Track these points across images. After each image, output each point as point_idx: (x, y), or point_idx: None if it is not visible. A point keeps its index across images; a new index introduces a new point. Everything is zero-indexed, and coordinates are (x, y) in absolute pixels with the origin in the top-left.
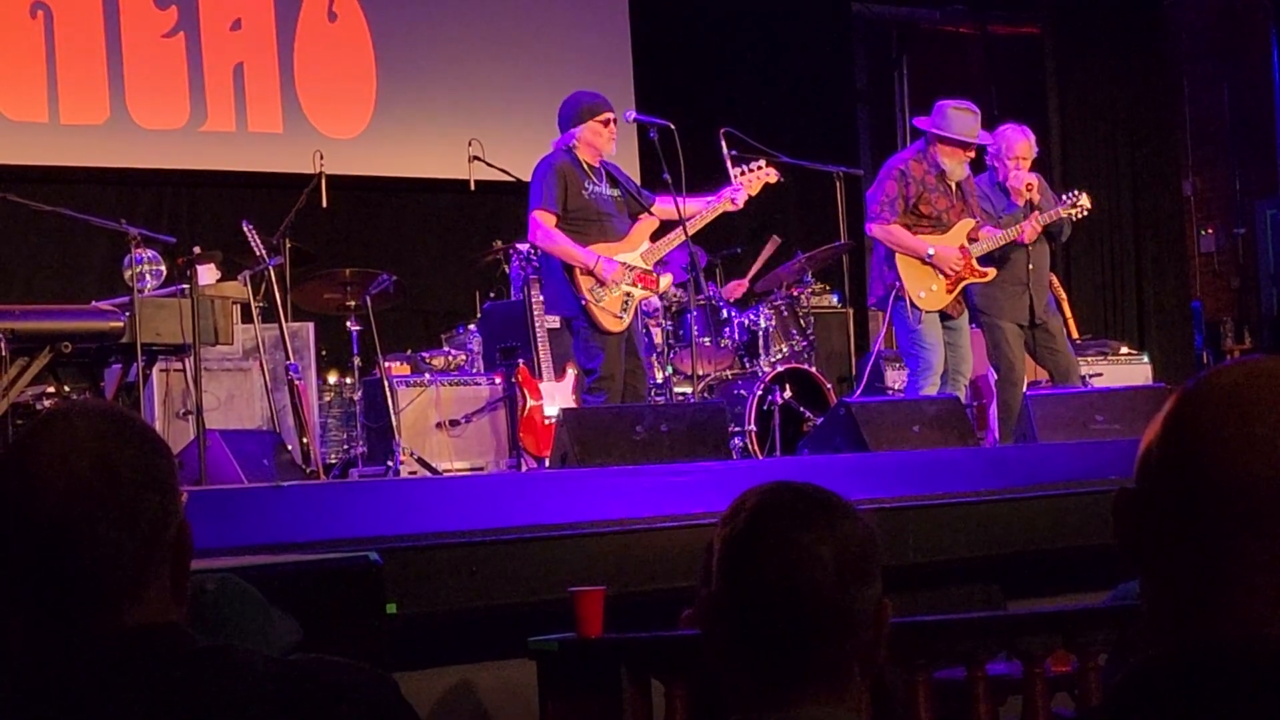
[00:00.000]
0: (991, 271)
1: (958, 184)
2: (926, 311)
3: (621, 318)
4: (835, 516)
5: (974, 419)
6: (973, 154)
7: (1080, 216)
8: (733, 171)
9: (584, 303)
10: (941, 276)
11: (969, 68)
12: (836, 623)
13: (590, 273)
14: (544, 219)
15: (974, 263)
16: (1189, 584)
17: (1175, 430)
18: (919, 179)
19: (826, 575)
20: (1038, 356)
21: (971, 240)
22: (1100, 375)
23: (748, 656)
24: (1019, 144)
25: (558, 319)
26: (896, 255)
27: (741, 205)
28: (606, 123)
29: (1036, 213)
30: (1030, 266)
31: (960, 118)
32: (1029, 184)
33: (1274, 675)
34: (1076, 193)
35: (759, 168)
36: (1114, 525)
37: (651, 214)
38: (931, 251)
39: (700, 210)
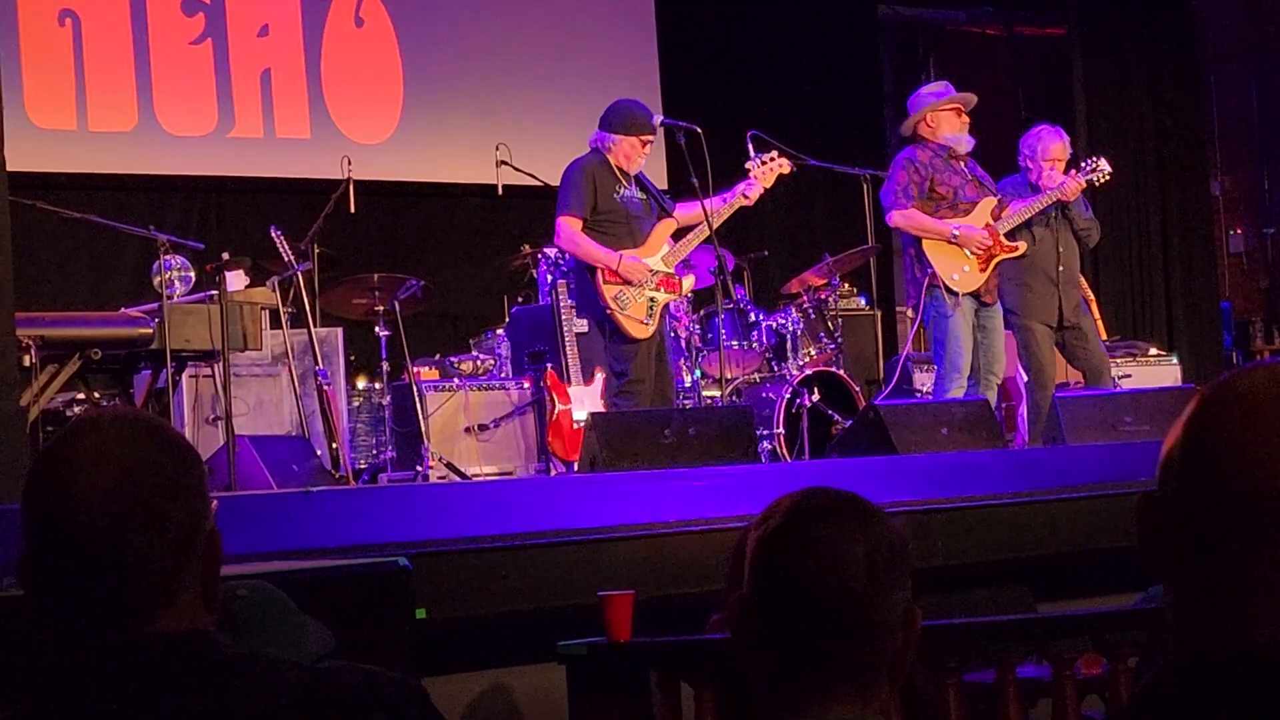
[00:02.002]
0: (1022, 245)
1: (966, 164)
2: (963, 294)
3: (647, 324)
4: (868, 522)
5: (1002, 421)
6: (966, 119)
7: (1101, 182)
8: (749, 164)
9: (608, 311)
10: (972, 256)
11: (996, 69)
12: (866, 627)
13: (615, 274)
14: (570, 224)
15: (1002, 239)
16: (1212, 589)
17: (1196, 434)
18: (927, 163)
19: (858, 580)
20: (1070, 357)
21: (996, 219)
22: (1129, 376)
23: (777, 658)
24: (1054, 145)
25: (585, 323)
26: (924, 243)
27: (754, 199)
28: (646, 144)
29: (1074, 170)
30: (1060, 268)
31: (934, 89)
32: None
33: None
34: (1096, 158)
35: (771, 159)
36: (1137, 530)
37: (673, 217)
38: (956, 232)
39: (717, 208)
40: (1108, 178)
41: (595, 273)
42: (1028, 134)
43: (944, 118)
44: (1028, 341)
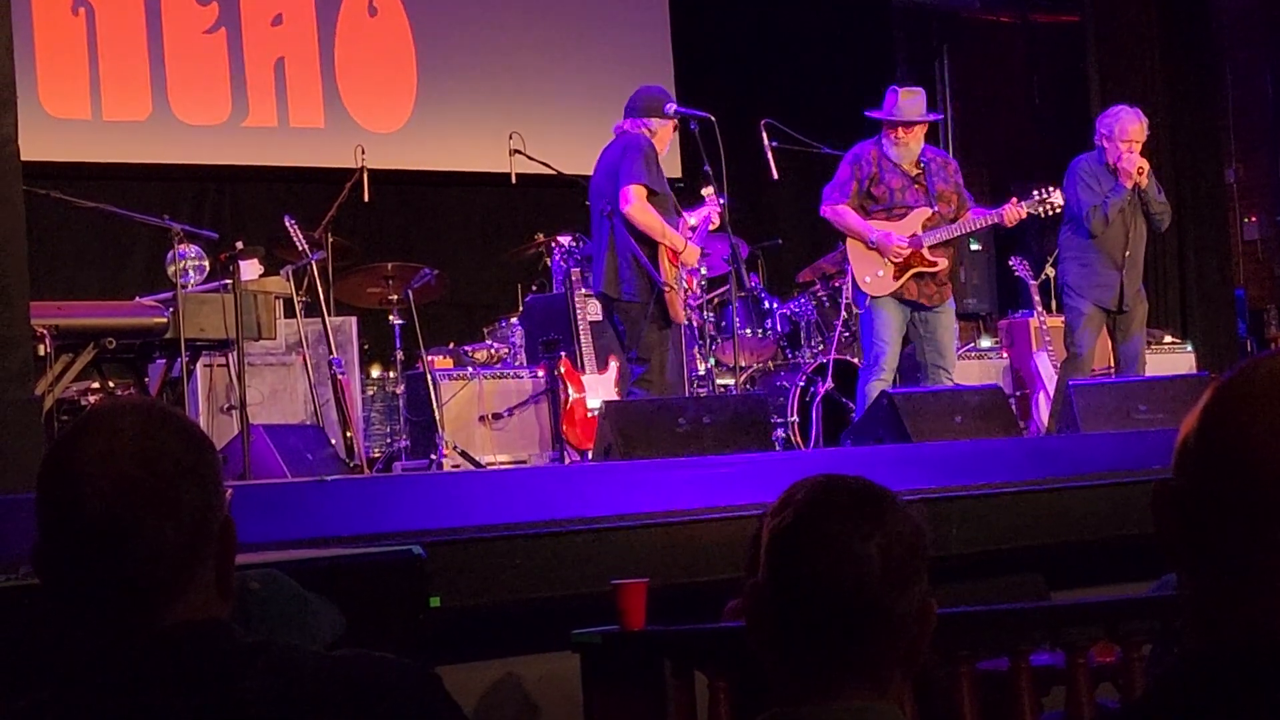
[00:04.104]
0: (943, 261)
1: (923, 166)
2: (874, 296)
3: (684, 310)
4: (885, 513)
5: (1016, 408)
6: (900, 134)
7: (1047, 214)
8: (706, 192)
9: (665, 289)
10: (888, 262)
11: (1010, 57)
12: (881, 618)
13: (675, 256)
14: (641, 193)
15: (925, 251)
16: (1227, 578)
17: (1212, 422)
18: (873, 161)
19: (873, 571)
20: (1113, 341)
21: (926, 229)
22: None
23: (791, 647)
24: (1133, 127)
25: (599, 311)
26: (847, 241)
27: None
28: (675, 128)
29: (1015, 199)
30: (1126, 252)
31: (904, 100)
32: (1140, 167)
33: None
34: (1050, 189)
35: (711, 200)
36: (1153, 519)
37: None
38: (874, 237)
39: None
40: (1056, 210)
41: (658, 247)
42: (1105, 114)
43: (884, 130)
44: (1074, 323)
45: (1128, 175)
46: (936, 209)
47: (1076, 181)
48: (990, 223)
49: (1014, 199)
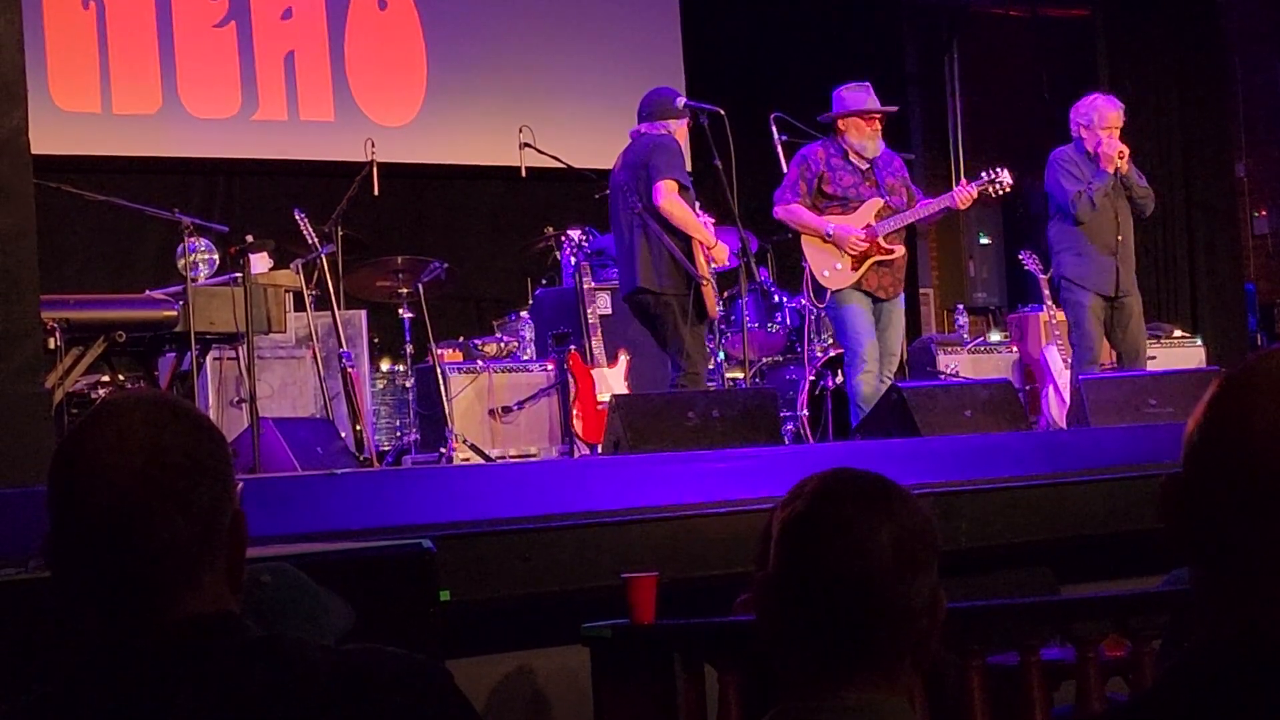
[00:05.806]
0: (900, 249)
1: (871, 162)
2: (833, 290)
3: (717, 304)
4: (894, 504)
5: (1025, 402)
6: (876, 125)
7: (999, 194)
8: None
9: (701, 282)
10: (845, 255)
11: (1019, 51)
12: (892, 609)
13: (708, 250)
14: (674, 188)
15: (880, 240)
16: (1236, 572)
17: (1220, 416)
18: (822, 160)
19: (884, 562)
20: (1111, 334)
21: (880, 219)
22: (1154, 358)
23: (802, 640)
24: (1111, 113)
25: (609, 305)
26: (802, 238)
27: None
28: (689, 124)
29: (964, 180)
30: (1119, 238)
31: (853, 94)
32: (1121, 151)
33: None
34: (998, 169)
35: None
36: (1161, 513)
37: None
38: (830, 230)
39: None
40: (1006, 190)
41: (691, 242)
42: (1080, 103)
43: (852, 124)
44: (1079, 318)
45: (1109, 160)
46: (888, 199)
47: (1058, 171)
48: (943, 206)
49: (963, 180)
